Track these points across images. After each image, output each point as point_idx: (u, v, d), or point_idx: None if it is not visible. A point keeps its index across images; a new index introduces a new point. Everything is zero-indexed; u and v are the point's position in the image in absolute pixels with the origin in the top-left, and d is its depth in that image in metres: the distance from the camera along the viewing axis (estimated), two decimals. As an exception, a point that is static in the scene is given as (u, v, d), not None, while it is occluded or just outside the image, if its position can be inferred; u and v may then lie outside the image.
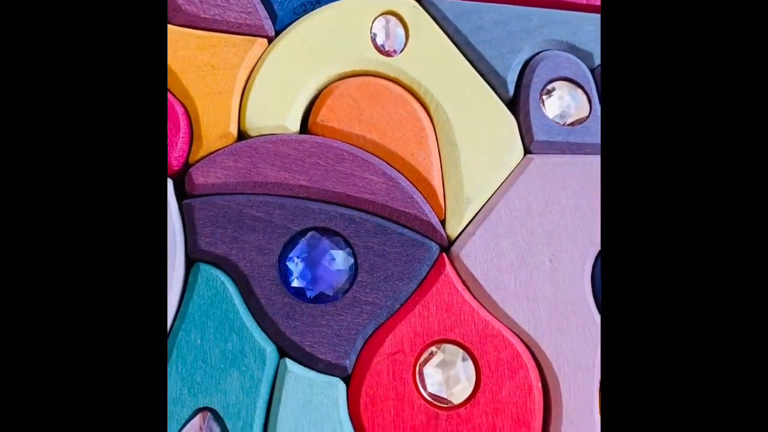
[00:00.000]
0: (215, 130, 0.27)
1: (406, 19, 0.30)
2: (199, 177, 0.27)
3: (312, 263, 0.26)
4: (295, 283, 0.26)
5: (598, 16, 0.31)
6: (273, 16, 0.30)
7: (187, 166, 0.27)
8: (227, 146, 0.27)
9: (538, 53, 0.31)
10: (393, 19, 0.30)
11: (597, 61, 0.31)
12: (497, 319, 0.27)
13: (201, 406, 0.24)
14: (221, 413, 0.24)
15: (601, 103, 0.30)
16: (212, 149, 0.27)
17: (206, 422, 0.24)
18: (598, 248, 0.27)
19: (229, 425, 0.24)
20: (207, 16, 0.29)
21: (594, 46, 0.31)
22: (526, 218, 0.28)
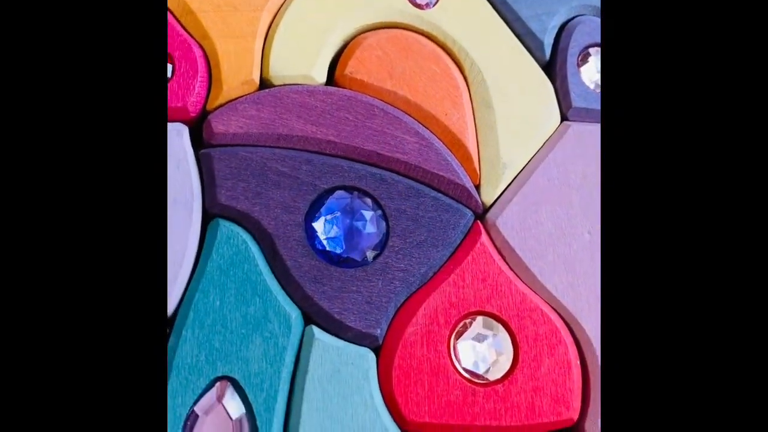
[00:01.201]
0: (237, 76, 0.25)
1: (440, -29, 0.28)
2: (219, 125, 0.24)
3: (341, 224, 0.24)
4: (323, 245, 0.24)
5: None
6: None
7: (204, 113, 0.25)
8: (249, 94, 0.25)
9: (573, 17, 0.29)
10: (426, -31, 0.28)
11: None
12: (535, 291, 0.25)
13: (220, 374, 0.22)
14: (242, 383, 0.22)
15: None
16: (232, 96, 0.25)
17: (225, 392, 0.22)
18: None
19: (250, 396, 0.22)
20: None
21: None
22: (564, 187, 0.26)
